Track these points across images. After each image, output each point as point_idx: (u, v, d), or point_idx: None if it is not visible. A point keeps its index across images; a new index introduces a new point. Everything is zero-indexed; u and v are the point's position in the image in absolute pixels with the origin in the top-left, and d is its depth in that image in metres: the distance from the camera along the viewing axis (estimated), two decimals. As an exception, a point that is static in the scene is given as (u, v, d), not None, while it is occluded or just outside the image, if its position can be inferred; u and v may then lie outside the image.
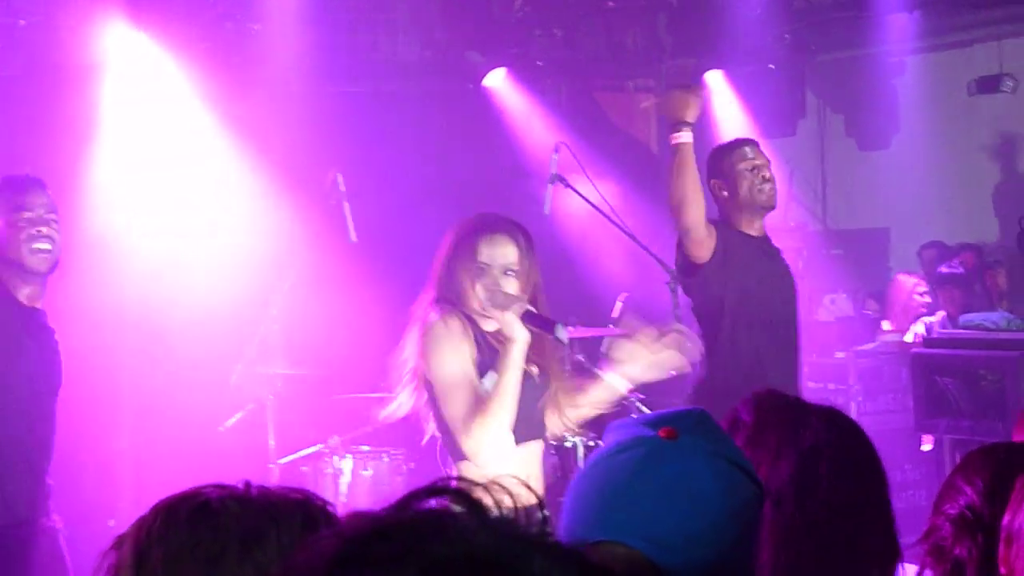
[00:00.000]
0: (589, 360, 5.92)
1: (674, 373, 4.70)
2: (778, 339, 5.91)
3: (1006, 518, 2.28)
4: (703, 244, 5.75)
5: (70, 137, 8.04)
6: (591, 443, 6.29)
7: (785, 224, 11.45)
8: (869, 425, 8.84)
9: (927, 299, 9.31)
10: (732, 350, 5.80)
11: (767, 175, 6.00)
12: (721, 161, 6.08)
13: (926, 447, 8.23)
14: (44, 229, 5.01)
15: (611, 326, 6.83)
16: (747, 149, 6.09)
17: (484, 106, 10.31)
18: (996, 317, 7.37)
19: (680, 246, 5.83)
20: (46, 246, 5.01)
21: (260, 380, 7.26)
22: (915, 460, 8.31)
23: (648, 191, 9.04)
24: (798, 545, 2.28)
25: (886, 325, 9.66)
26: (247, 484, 1.83)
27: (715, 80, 10.84)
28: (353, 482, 7.38)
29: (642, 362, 4.57)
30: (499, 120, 10.36)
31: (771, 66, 10.72)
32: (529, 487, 1.06)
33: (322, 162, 7.62)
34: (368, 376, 7.97)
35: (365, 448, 7.55)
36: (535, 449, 4.56)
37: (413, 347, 4.49)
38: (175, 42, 8.44)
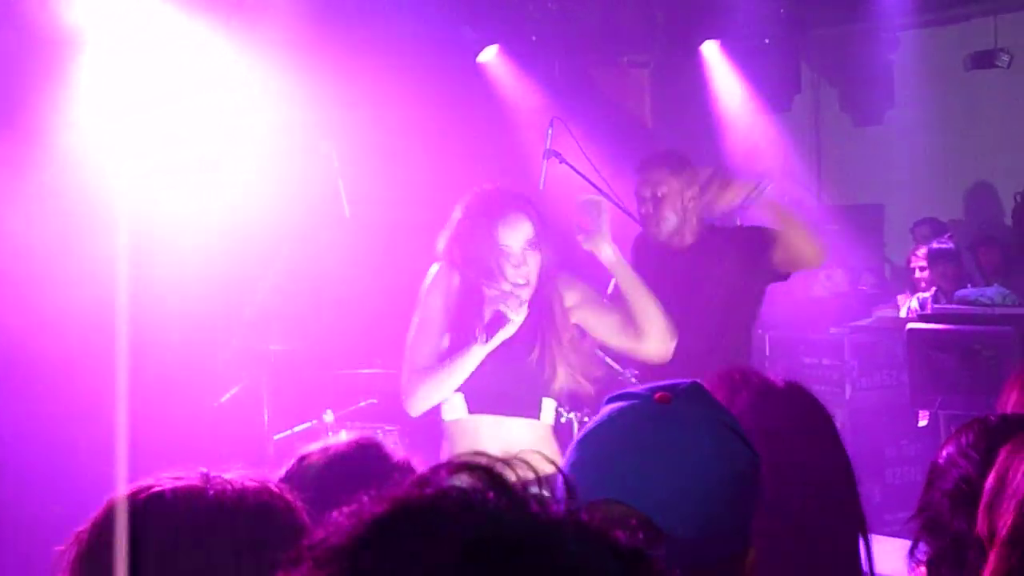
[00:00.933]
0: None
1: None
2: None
3: (988, 481, 2.26)
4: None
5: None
6: (586, 419, 6.28)
7: (780, 200, 11.45)
8: (866, 401, 8.83)
9: (926, 274, 9.31)
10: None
11: (647, 209, 5.77)
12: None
13: (922, 423, 8.23)
14: None
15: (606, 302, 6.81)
16: (640, 176, 5.86)
17: (478, 81, 10.29)
18: (991, 292, 7.37)
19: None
20: None
21: (254, 355, 7.25)
22: (911, 436, 8.32)
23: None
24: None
25: (902, 300, 9.64)
26: (204, 475, 1.82)
27: (711, 51, 10.81)
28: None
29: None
30: (493, 95, 10.34)
31: (766, 41, 10.69)
32: (554, 463, 1.04)
33: (315, 136, 7.59)
34: (362, 351, 7.98)
35: (359, 424, 7.54)
36: (523, 428, 4.58)
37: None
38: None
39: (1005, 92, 10.39)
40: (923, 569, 2.53)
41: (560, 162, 6.59)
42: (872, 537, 2.33)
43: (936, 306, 8.22)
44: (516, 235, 4.55)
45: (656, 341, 4.77)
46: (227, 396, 7.37)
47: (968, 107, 10.63)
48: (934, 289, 9.13)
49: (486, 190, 4.73)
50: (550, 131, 6.75)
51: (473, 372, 4.53)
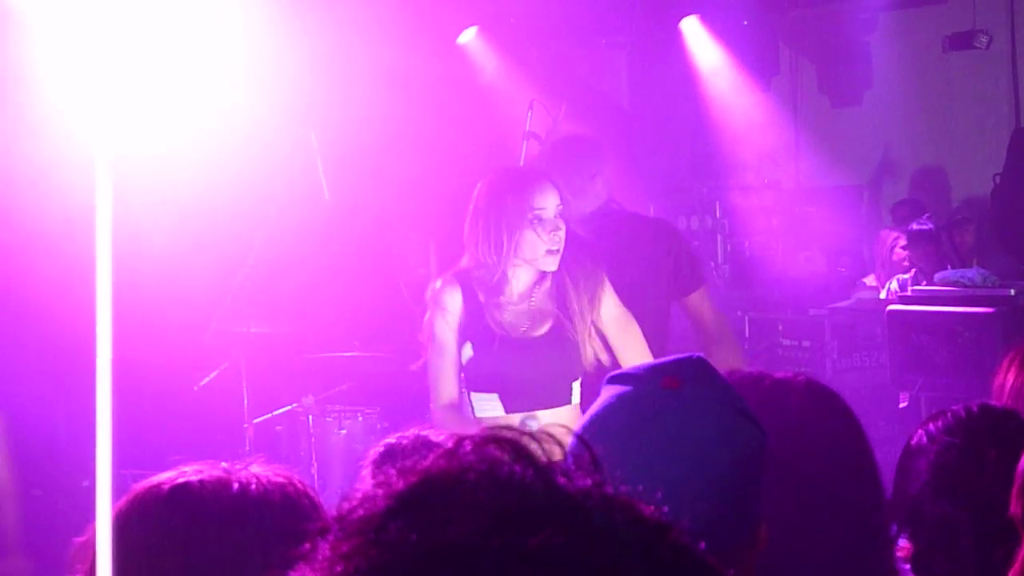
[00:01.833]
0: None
1: None
2: None
3: (1021, 465, 2.25)
4: None
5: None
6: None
7: (759, 181, 11.47)
8: (845, 382, 8.82)
9: (906, 255, 9.32)
10: None
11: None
12: None
13: (903, 404, 8.24)
14: None
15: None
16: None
17: (457, 63, 10.27)
18: (972, 274, 7.38)
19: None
20: None
21: (234, 338, 7.23)
22: (891, 417, 8.33)
23: (620, 147, 9.02)
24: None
25: (870, 280, 9.67)
26: (228, 466, 1.83)
27: (691, 26, 10.81)
28: (327, 442, 7.35)
29: None
30: (472, 78, 10.32)
31: (745, 22, 10.69)
32: (582, 439, 1.04)
33: (294, 119, 7.56)
34: (342, 335, 7.97)
35: (339, 407, 7.53)
36: (560, 416, 4.57)
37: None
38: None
39: (983, 74, 10.40)
40: (907, 566, 2.50)
41: (539, 144, 6.59)
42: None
43: (916, 287, 8.23)
44: (549, 201, 4.56)
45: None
46: (207, 379, 7.36)
47: (946, 88, 10.64)
48: (914, 270, 9.14)
49: (507, 168, 4.82)
50: (530, 114, 6.75)
51: (505, 371, 4.53)
